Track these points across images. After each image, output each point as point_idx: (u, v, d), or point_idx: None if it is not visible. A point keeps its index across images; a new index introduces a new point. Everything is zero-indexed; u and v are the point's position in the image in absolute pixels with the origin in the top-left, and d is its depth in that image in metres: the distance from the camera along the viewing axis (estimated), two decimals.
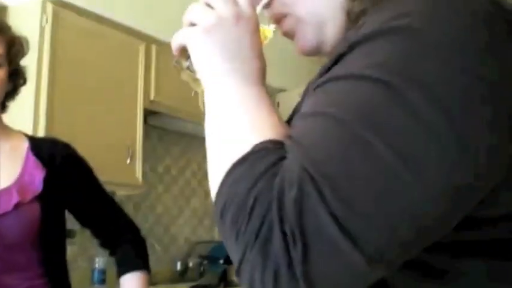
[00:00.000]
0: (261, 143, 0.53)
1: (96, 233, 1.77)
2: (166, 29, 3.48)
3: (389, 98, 0.49)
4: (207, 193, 4.21)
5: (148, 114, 3.37)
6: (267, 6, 0.71)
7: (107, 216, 1.74)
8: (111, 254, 1.77)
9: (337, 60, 0.56)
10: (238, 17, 0.63)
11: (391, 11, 0.54)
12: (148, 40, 3.31)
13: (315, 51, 0.73)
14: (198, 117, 3.17)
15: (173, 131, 3.91)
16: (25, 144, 1.63)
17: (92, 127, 2.89)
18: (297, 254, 0.46)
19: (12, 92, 1.64)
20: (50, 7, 2.78)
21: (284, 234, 0.47)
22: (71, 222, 1.75)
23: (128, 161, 3.09)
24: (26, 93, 1.71)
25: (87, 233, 3.17)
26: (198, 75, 0.66)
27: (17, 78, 1.63)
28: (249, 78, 0.62)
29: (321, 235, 0.46)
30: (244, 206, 0.49)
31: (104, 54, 3.03)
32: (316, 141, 0.50)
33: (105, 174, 1.85)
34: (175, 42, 0.69)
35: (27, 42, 1.66)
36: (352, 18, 0.65)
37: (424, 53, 0.50)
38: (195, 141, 4.16)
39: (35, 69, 2.64)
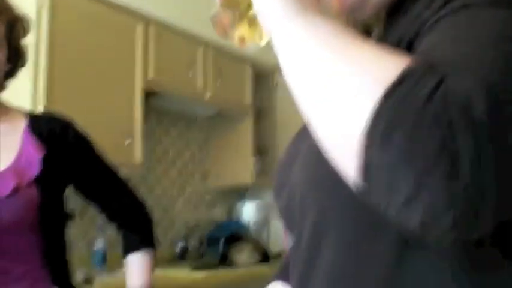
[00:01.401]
0: (410, 67, 0.47)
1: (102, 208, 1.73)
2: (165, 9, 3.44)
3: None
4: (205, 174, 4.20)
5: (147, 95, 3.34)
6: None
7: (112, 190, 1.70)
8: (118, 228, 1.74)
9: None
10: None
11: None
12: (147, 20, 3.28)
13: (357, 6, 0.71)
14: (197, 98, 3.18)
15: (172, 112, 3.89)
16: (23, 123, 1.60)
17: (91, 108, 2.86)
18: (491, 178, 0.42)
19: (11, 72, 1.61)
20: None
21: (476, 154, 0.42)
22: (71, 204, 1.73)
23: (127, 142, 3.07)
24: (24, 73, 1.68)
25: (87, 215, 3.18)
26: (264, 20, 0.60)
27: (16, 58, 1.60)
28: (328, 13, 0.59)
29: None
30: (420, 126, 0.43)
31: (102, 34, 3.00)
32: (487, 62, 0.47)
33: (104, 154, 1.83)
34: None
35: (28, 22, 1.63)
36: None
37: None
38: (194, 123, 4.14)
39: (34, 49, 2.61)
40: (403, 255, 0.61)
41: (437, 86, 0.45)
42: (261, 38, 0.66)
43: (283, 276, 1.02)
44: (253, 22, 0.65)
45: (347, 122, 0.48)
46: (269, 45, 0.64)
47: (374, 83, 0.47)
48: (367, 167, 0.46)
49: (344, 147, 0.48)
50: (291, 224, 0.83)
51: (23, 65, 1.64)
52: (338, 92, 0.49)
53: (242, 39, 0.67)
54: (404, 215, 0.45)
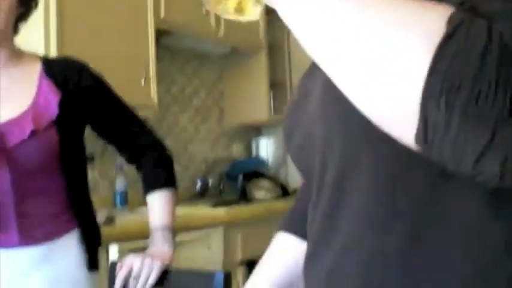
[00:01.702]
0: (454, 16, 0.45)
1: (121, 149, 1.74)
2: None
3: None
4: (222, 111, 4.20)
5: (160, 34, 3.32)
6: None
7: (131, 130, 1.70)
8: (138, 168, 1.75)
9: None
10: None
11: None
12: None
13: None
14: (210, 36, 3.13)
15: (185, 50, 3.86)
16: (38, 67, 1.60)
17: (105, 50, 2.85)
18: None
19: (23, 16, 1.60)
20: None
21: None
22: (90, 146, 1.74)
23: (143, 83, 3.07)
24: (35, 14, 1.67)
25: (107, 156, 3.22)
26: None
27: (28, 1, 1.59)
28: None
29: None
30: (483, 80, 0.43)
31: None
32: None
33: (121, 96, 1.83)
34: None
35: None
36: None
37: None
38: (208, 61, 4.12)
39: None
40: (439, 188, 0.61)
41: (490, 35, 0.44)
42: (257, 3, 0.64)
43: (288, 226, 1.00)
44: None
45: (400, 86, 0.46)
46: None
47: (423, 40, 0.45)
48: (433, 128, 0.45)
49: (398, 111, 0.47)
50: (305, 165, 0.81)
51: (35, 7, 1.63)
52: (384, 53, 0.47)
53: (239, 10, 0.65)
54: (480, 169, 0.45)
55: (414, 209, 0.62)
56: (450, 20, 0.45)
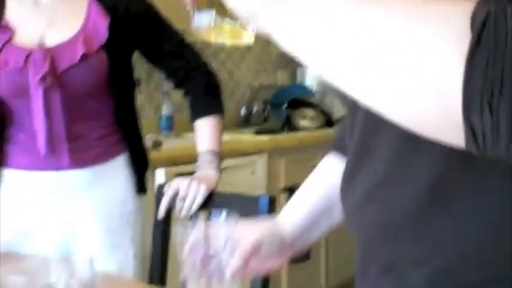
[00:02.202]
0: (477, 13, 0.43)
1: (170, 74, 1.74)
2: None
3: None
4: (267, 39, 4.15)
5: None
6: None
7: (180, 55, 1.70)
8: (185, 93, 1.75)
9: None
10: None
11: None
12: None
13: None
14: None
15: None
16: None
17: None
18: None
19: None
20: None
21: None
22: (137, 70, 1.75)
23: (189, 8, 3.04)
24: None
25: (153, 81, 3.24)
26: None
27: None
28: None
29: None
30: None
31: None
32: None
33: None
34: None
35: None
36: None
37: None
38: None
39: None
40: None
41: None
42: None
43: (338, 147, 1.01)
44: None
45: (438, 99, 0.44)
46: None
47: (452, 47, 0.43)
48: (482, 137, 0.44)
49: (441, 125, 0.46)
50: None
51: None
52: (413, 64, 0.45)
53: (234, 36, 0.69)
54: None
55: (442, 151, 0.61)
56: (474, 17, 0.43)
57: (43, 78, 1.46)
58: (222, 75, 3.70)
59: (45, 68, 1.47)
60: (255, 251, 1.00)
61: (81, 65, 1.50)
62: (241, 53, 3.96)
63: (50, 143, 1.52)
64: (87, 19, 1.55)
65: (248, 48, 4.01)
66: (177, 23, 1.75)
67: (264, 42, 3.70)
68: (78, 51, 1.50)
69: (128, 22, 1.59)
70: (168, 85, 1.88)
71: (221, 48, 3.80)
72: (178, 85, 1.75)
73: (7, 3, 1.56)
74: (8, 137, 1.58)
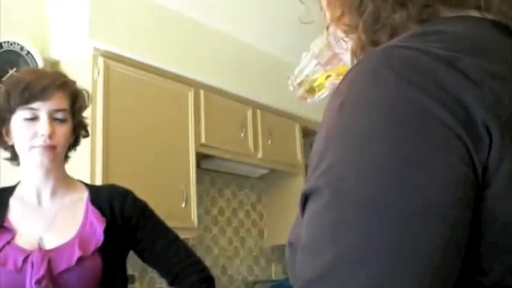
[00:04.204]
0: None
1: (163, 273, 1.75)
2: (214, 74, 3.55)
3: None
4: (261, 232, 4.21)
5: (200, 157, 3.42)
6: None
7: (174, 255, 1.71)
8: None
9: None
10: None
11: None
12: (197, 85, 3.39)
13: None
14: (248, 158, 3.20)
15: (224, 172, 3.95)
16: (85, 195, 1.66)
17: (147, 173, 2.95)
18: None
19: (74, 144, 1.69)
20: (101, 60, 2.88)
21: None
22: (131, 267, 1.76)
23: (183, 205, 3.14)
24: (82, 144, 1.76)
25: (147, 278, 3.22)
26: None
27: (79, 130, 1.69)
28: None
29: None
30: None
31: (154, 102, 3.11)
32: None
33: (162, 218, 1.87)
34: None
35: (88, 94, 1.71)
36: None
37: None
38: (247, 182, 4.19)
39: (89, 119, 2.70)
40: None
41: None
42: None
43: None
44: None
45: None
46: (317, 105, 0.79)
47: None
48: None
49: None
50: None
51: (86, 136, 1.72)
52: None
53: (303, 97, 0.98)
54: None
55: None
56: None
57: (38, 282, 1.48)
58: (216, 270, 3.71)
59: (42, 270, 1.48)
60: None
61: (76, 268, 1.52)
62: (235, 247, 3.98)
63: None
64: (84, 223, 1.60)
65: (242, 242, 4.04)
66: (169, 220, 1.79)
67: (258, 236, 3.73)
68: (75, 254, 1.52)
69: (123, 225, 1.64)
70: (161, 282, 1.88)
71: (215, 243, 3.83)
72: (172, 283, 1.76)
73: (10, 205, 1.62)
74: None
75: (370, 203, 0.48)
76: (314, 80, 0.95)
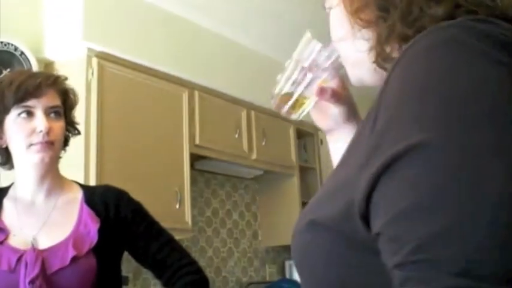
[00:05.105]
0: None
1: (158, 274, 1.75)
2: (208, 75, 3.55)
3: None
4: (255, 234, 4.21)
5: (194, 159, 3.42)
6: None
7: (168, 256, 1.71)
8: None
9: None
10: None
11: None
12: (191, 86, 3.39)
13: (359, 84, 0.79)
14: (242, 159, 3.21)
15: (219, 174, 3.95)
16: (79, 195, 1.66)
17: (141, 174, 2.95)
18: None
19: (65, 142, 1.68)
20: (95, 61, 2.88)
21: None
22: (125, 269, 1.76)
23: (177, 206, 3.13)
24: (76, 144, 1.75)
25: (140, 279, 3.22)
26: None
27: (70, 129, 1.68)
28: None
29: None
30: None
31: (148, 103, 3.11)
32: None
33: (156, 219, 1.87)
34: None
35: (76, 94, 1.71)
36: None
37: None
38: (241, 183, 4.19)
39: (83, 121, 2.71)
40: None
41: None
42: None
43: None
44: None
45: None
46: None
47: None
48: None
49: None
50: None
51: (77, 134, 1.72)
52: None
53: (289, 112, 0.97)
54: None
55: None
56: None
57: (32, 281, 1.47)
58: (210, 271, 3.71)
59: (36, 270, 1.48)
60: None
61: (70, 268, 1.51)
62: (229, 248, 3.98)
63: None
64: (78, 223, 1.59)
65: (236, 243, 4.04)
66: (163, 221, 1.79)
67: (252, 238, 3.74)
68: (69, 254, 1.52)
69: (117, 225, 1.63)
70: (155, 284, 1.87)
71: (209, 244, 3.83)
72: (166, 284, 1.75)
73: (4, 206, 1.61)
74: None
75: (499, 147, 0.49)
76: (305, 98, 0.94)
